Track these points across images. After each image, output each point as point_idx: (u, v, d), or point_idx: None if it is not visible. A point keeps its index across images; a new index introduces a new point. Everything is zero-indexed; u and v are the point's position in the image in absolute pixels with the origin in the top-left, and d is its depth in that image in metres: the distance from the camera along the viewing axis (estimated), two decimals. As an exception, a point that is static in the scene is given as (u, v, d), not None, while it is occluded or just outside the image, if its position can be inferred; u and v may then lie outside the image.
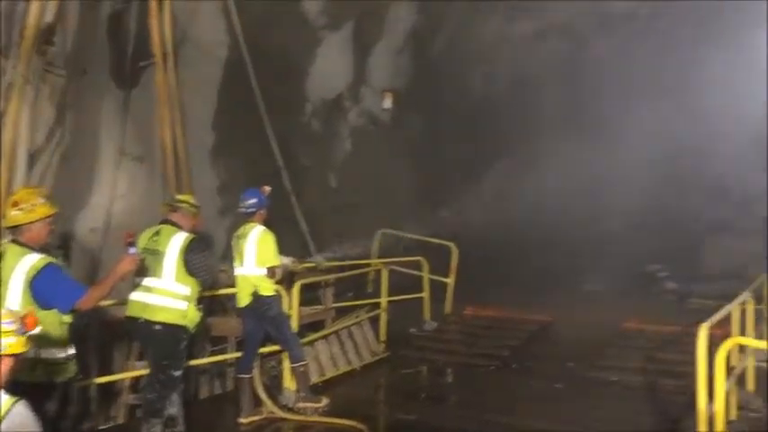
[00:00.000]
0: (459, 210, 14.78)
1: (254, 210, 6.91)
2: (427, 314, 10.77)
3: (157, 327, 5.57)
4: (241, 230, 6.98)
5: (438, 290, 11.07)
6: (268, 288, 6.83)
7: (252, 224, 6.90)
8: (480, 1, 13.17)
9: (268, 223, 7.09)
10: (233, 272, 7.14)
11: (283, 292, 7.28)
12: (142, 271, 5.55)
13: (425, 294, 10.74)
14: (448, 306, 11.13)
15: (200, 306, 5.76)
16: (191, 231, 5.84)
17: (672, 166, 16.03)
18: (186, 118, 9.00)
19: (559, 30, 15.13)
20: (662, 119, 16.02)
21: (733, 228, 14.77)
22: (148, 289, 5.64)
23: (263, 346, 7.28)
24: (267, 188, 7.14)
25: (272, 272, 6.83)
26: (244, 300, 6.88)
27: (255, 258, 6.78)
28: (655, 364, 8.64)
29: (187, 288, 5.59)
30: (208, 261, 5.71)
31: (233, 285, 7.23)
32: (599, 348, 9.43)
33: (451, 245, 11.42)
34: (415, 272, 10.95)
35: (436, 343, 10.15)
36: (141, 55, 8.70)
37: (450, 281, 11.19)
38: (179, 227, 5.80)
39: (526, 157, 16.10)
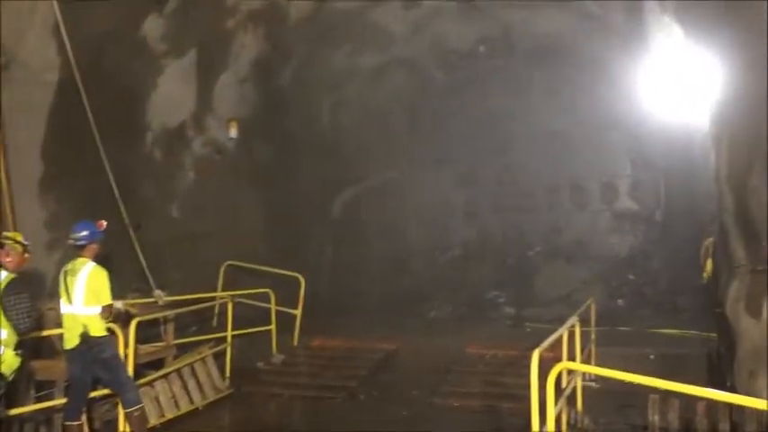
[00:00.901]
0: (307, 239, 14.74)
1: (84, 242, 6.52)
2: (274, 347, 10.61)
3: (-32, 374, 5.08)
4: (71, 266, 6.56)
5: (287, 322, 10.94)
6: (99, 328, 6.44)
7: (83, 259, 6.50)
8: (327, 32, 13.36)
9: (105, 257, 6.71)
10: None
11: (119, 332, 6.89)
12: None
13: (273, 327, 10.58)
14: (296, 338, 11.02)
15: (19, 351, 5.30)
16: (14, 270, 5.41)
17: (508, 197, 16.96)
18: (11, 145, 8.37)
19: (404, 64, 15.62)
20: (499, 151, 16.94)
21: (563, 257, 15.84)
22: (-40, 333, 5.13)
23: (94, 389, 6.83)
24: (103, 222, 6.77)
25: (107, 311, 6.46)
26: (72, 341, 6.44)
27: (86, 296, 6.38)
28: (494, 388, 9.01)
29: (3, 331, 5.14)
30: (27, 303, 5.27)
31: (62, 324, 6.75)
32: (443, 374, 9.70)
33: (299, 276, 11.34)
34: (263, 304, 10.77)
35: (283, 377, 10.02)
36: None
37: (297, 312, 11.10)
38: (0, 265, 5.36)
39: (373, 186, 16.39)
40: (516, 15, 14.22)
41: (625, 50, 12.83)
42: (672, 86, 11.18)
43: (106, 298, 6.42)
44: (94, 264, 6.50)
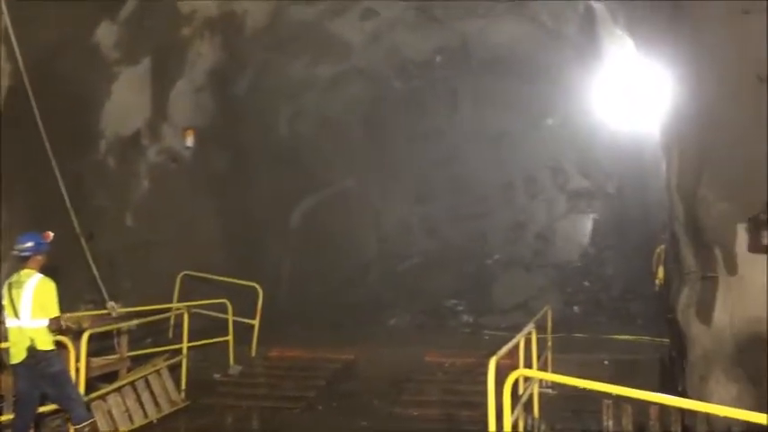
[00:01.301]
0: (265, 248, 14.61)
1: (29, 254, 6.38)
2: (232, 358, 10.49)
3: None
4: (16, 278, 6.39)
5: (245, 333, 10.82)
6: (47, 342, 6.28)
7: (28, 271, 6.35)
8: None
9: (57, 268, 6.56)
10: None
11: (70, 345, 6.73)
12: None
13: (230, 338, 10.45)
14: (253, 349, 10.90)
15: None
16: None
17: (465, 205, 17.11)
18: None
19: (362, 73, 15.66)
20: (458, 159, 17.08)
21: (521, 265, 16.03)
22: None
23: (42, 404, 6.64)
24: (50, 233, 6.62)
25: (55, 323, 6.30)
26: (18, 355, 6.27)
27: (32, 309, 6.22)
28: (453, 396, 9.04)
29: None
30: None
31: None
32: (401, 383, 9.70)
33: (257, 286, 11.23)
34: (220, 314, 10.64)
35: (241, 388, 9.90)
36: None
37: (255, 323, 10.98)
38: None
39: (332, 195, 16.36)
40: (473, 26, 14.40)
41: (579, 61, 13.08)
42: (624, 97, 11.41)
43: (53, 310, 6.26)
44: (41, 275, 6.35)
